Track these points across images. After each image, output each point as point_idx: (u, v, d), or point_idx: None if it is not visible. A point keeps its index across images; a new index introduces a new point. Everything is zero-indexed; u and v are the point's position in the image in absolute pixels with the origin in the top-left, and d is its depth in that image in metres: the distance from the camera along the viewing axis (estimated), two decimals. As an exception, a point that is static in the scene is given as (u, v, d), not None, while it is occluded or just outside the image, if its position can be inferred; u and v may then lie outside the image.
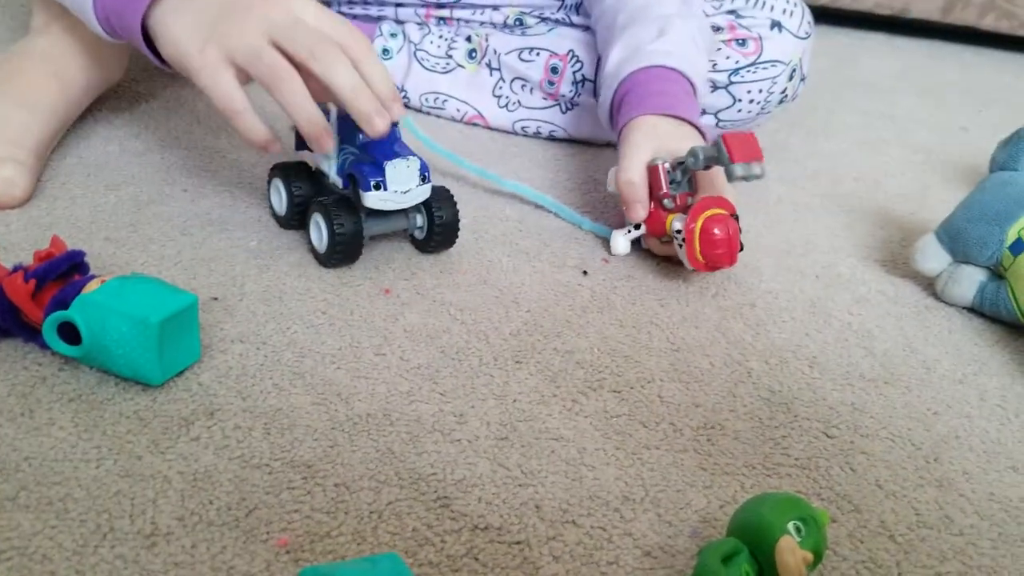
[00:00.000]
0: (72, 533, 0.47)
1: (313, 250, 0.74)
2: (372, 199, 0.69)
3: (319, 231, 0.72)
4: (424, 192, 0.72)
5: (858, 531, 0.55)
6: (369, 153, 0.71)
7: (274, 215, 0.78)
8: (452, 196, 0.76)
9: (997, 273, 0.79)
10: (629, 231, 0.80)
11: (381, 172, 0.69)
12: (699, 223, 0.73)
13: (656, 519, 0.54)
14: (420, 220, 0.76)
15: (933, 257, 0.82)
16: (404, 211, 0.74)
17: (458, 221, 0.76)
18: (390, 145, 0.70)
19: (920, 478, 0.60)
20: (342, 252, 0.71)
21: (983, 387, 0.70)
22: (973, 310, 0.81)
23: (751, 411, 0.64)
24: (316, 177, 0.76)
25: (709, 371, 0.67)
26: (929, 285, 0.84)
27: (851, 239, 0.92)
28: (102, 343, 0.55)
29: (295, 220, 0.76)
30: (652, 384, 0.65)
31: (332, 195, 0.74)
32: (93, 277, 0.58)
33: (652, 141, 0.79)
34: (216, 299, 0.66)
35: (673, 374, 0.66)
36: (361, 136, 0.71)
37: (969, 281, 0.80)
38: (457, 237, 0.77)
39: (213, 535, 0.48)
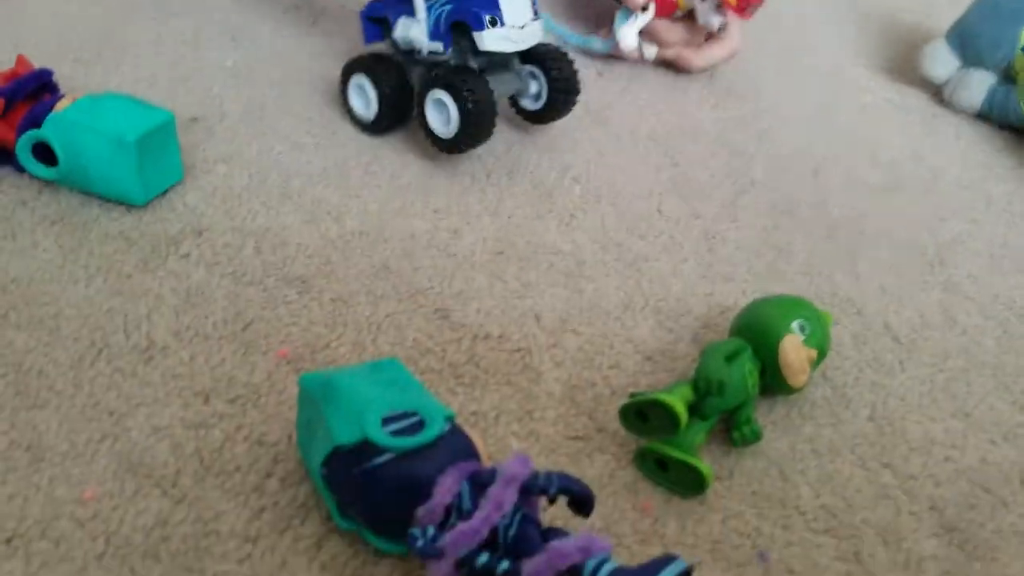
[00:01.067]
0: (67, 350, 0.46)
1: (433, 137, 0.62)
2: (490, 39, 0.58)
3: (443, 111, 0.61)
4: (537, 30, 0.62)
5: (862, 333, 0.54)
6: None
7: (358, 122, 0.66)
8: (565, 52, 0.65)
9: (1008, 76, 0.76)
10: (635, 18, 0.74)
11: (494, 5, 0.59)
12: None
13: (657, 326, 0.53)
14: (535, 86, 0.65)
15: (942, 62, 0.79)
16: (517, 73, 0.64)
17: (578, 79, 0.65)
18: None
19: (924, 282, 0.59)
20: (477, 126, 0.60)
21: (989, 192, 0.69)
22: (980, 116, 0.78)
23: (753, 220, 0.62)
24: (401, 66, 0.64)
25: (710, 183, 0.65)
26: (936, 93, 0.81)
27: (856, 46, 0.88)
28: (79, 163, 0.53)
29: (390, 120, 0.65)
30: (651, 198, 0.63)
31: (438, 68, 0.62)
32: (63, 95, 0.55)
33: None
34: (196, 119, 0.63)
35: (672, 188, 0.65)
36: None
37: (978, 85, 0.77)
38: (576, 101, 0.66)
39: (211, 348, 0.47)
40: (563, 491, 0.37)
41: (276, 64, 0.71)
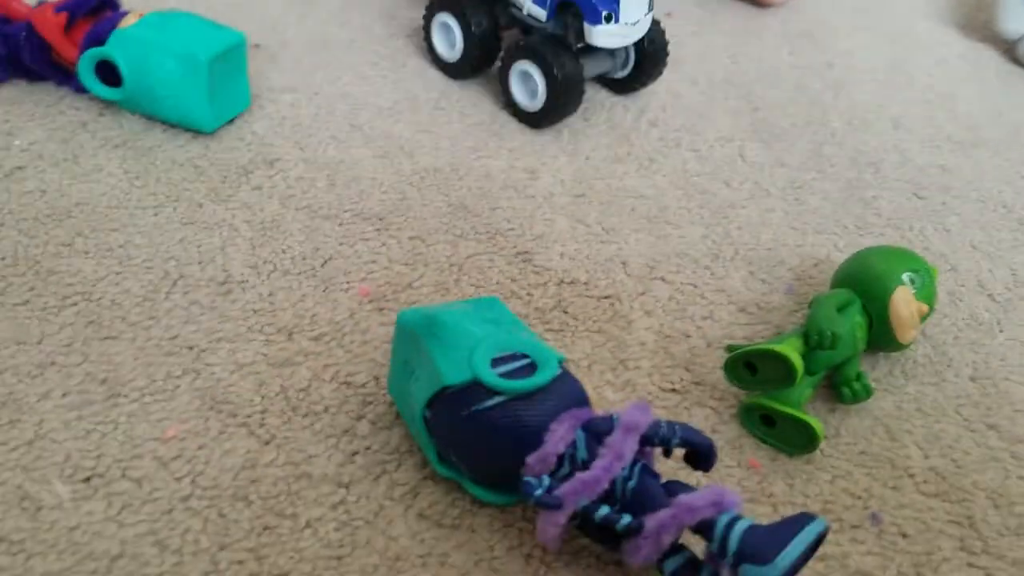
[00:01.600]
0: (139, 279, 0.44)
1: (514, 106, 0.59)
2: (601, 34, 0.55)
3: (529, 83, 0.57)
4: (648, 22, 0.58)
5: (957, 290, 0.52)
6: None
7: (439, 62, 0.62)
8: (658, 20, 0.61)
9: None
10: None
11: (614, 0, 0.55)
12: None
13: (749, 276, 0.51)
14: (624, 55, 0.61)
15: (1017, 17, 0.76)
16: (611, 53, 0.60)
17: (667, 50, 0.61)
18: None
19: (1015, 239, 0.56)
20: (565, 104, 0.57)
21: (1074, 151, 0.66)
22: (1058, 75, 0.75)
23: (838, 171, 0.59)
24: (493, 7, 0.60)
25: (791, 131, 0.63)
26: (1008, 49, 0.78)
27: (926, 0, 0.85)
28: (145, 83, 0.49)
29: (474, 65, 0.61)
30: (732, 143, 0.61)
31: (531, 34, 0.58)
32: (127, 12, 0.52)
33: None
34: (258, 46, 0.60)
35: (753, 134, 0.62)
36: None
37: (1057, 42, 0.74)
38: (665, 67, 0.62)
39: (291, 283, 0.45)
40: (685, 443, 0.35)
41: (334, -8, 0.68)
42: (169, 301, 0.43)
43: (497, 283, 0.47)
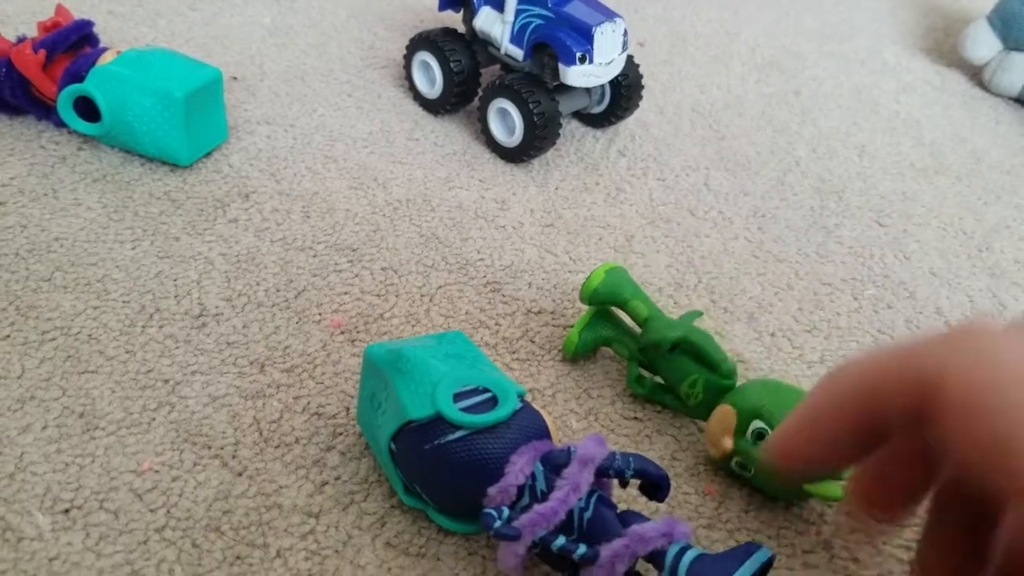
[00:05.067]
0: (117, 313, 0.45)
1: (493, 143, 0.60)
2: (575, 75, 0.55)
3: (507, 120, 0.59)
4: (622, 61, 0.59)
5: (915, 317, 0.54)
6: (563, 14, 0.56)
7: (420, 98, 0.64)
8: (631, 55, 0.62)
9: (1053, 60, 0.75)
10: None
11: (587, 41, 0.55)
12: None
13: (711, 305, 0.52)
14: (600, 92, 0.62)
15: (983, 44, 0.78)
16: (588, 91, 0.61)
17: (642, 85, 0.62)
18: (588, 3, 0.57)
19: (973, 266, 0.58)
20: (542, 140, 0.58)
21: (1033, 178, 0.68)
22: (1019, 100, 0.77)
23: (801, 199, 0.61)
24: (472, 45, 0.61)
25: (756, 159, 0.64)
26: (975, 74, 0.80)
27: (894, 26, 0.87)
28: (123, 119, 0.51)
29: (453, 102, 0.62)
30: (698, 172, 0.62)
31: (510, 72, 0.59)
32: (106, 49, 0.53)
33: None
34: (236, 79, 0.62)
35: (719, 163, 0.63)
36: None
37: (1020, 69, 0.76)
38: (641, 100, 0.63)
39: (264, 315, 0.46)
40: (639, 474, 0.36)
41: (315, 23, 0.70)
42: (145, 335, 0.44)
43: (466, 313, 0.49)
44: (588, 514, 0.35)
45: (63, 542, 0.36)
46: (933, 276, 0.57)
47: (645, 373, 0.46)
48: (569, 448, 0.36)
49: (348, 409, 0.43)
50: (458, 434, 0.35)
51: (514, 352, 0.47)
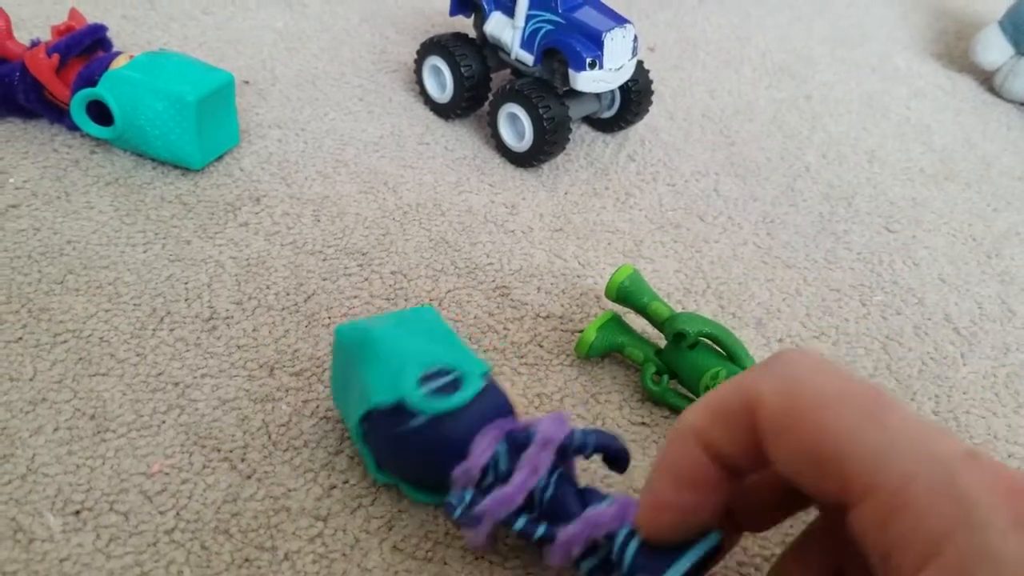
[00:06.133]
0: (128, 316, 0.45)
1: (503, 147, 0.60)
2: (585, 80, 0.56)
3: (516, 125, 0.59)
4: (632, 67, 0.59)
5: (923, 323, 0.53)
6: (573, 20, 0.56)
7: (431, 103, 0.64)
8: (641, 60, 0.62)
9: (1065, 66, 0.75)
10: None
11: (597, 46, 0.55)
12: None
13: (719, 310, 0.52)
14: (610, 97, 0.62)
15: (995, 48, 0.78)
16: (598, 97, 0.61)
17: (652, 90, 0.63)
18: (595, 5, 0.57)
19: (982, 272, 0.58)
20: (551, 145, 0.58)
21: (1044, 184, 0.68)
22: (1033, 106, 0.77)
23: (811, 205, 0.61)
24: (482, 50, 0.61)
25: (766, 165, 0.64)
26: (986, 80, 0.80)
27: (906, 30, 0.87)
28: (136, 123, 0.51)
29: (464, 107, 0.62)
30: (707, 178, 0.62)
31: (520, 77, 0.60)
32: (119, 53, 0.54)
33: None
34: (248, 83, 0.62)
35: (728, 168, 0.63)
36: (561, 0, 0.56)
37: (1032, 75, 0.76)
38: (651, 105, 0.64)
39: (274, 319, 0.46)
40: (599, 449, 0.37)
41: (326, 27, 0.70)
42: (156, 338, 0.45)
43: (475, 317, 0.49)
44: (549, 493, 0.35)
45: (74, 543, 0.37)
46: (942, 282, 0.57)
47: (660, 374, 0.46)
48: (529, 429, 0.36)
49: (357, 413, 0.43)
50: (421, 420, 0.36)
51: (522, 357, 0.47)
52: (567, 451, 0.36)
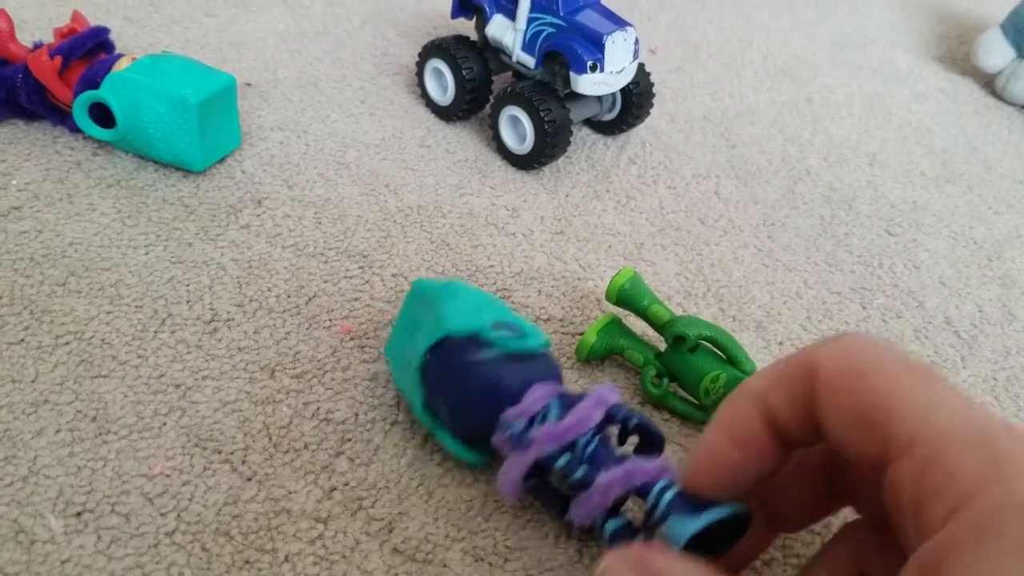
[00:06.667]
0: (129, 319, 0.46)
1: (504, 150, 0.60)
2: (586, 83, 0.56)
3: (518, 127, 0.59)
4: (633, 69, 0.59)
5: (924, 327, 0.54)
6: (574, 23, 0.56)
7: (432, 105, 0.64)
8: (642, 63, 0.62)
9: (1067, 69, 0.75)
10: None
11: (598, 49, 0.55)
12: None
13: (719, 313, 0.52)
14: (611, 100, 0.62)
15: (997, 51, 0.78)
16: (599, 99, 0.61)
17: (653, 92, 0.63)
18: (597, 8, 0.57)
19: (983, 275, 0.58)
20: (552, 147, 0.58)
21: (1045, 187, 0.68)
22: (1034, 109, 0.77)
23: (811, 208, 0.61)
24: (484, 53, 0.61)
25: (767, 168, 0.64)
26: (988, 83, 0.80)
27: (908, 34, 0.87)
28: (138, 125, 0.51)
29: (465, 109, 0.62)
30: (708, 180, 0.62)
31: (522, 80, 0.60)
32: (121, 56, 0.54)
33: None
34: (250, 85, 0.62)
35: (729, 170, 0.64)
36: (563, 3, 0.56)
37: (1034, 78, 0.76)
38: (649, 113, 0.64)
39: (275, 321, 0.47)
40: (640, 427, 0.38)
41: (328, 29, 0.70)
42: (157, 340, 0.45)
43: (476, 320, 0.49)
44: (591, 448, 0.37)
45: (75, 545, 0.37)
46: (943, 286, 0.57)
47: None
48: (583, 393, 0.38)
49: (357, 415, 0.43)
50: (491, 353, 0.38)
51: (523, 359, 0.48)
52: (614, 417, 0.37)
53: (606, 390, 0.37)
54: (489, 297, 0.41)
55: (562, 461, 0.36)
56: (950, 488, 0.24)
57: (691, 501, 0.33)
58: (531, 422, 0.37)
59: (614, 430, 0.39)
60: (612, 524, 0.35)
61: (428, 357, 0.39)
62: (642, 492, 0.34)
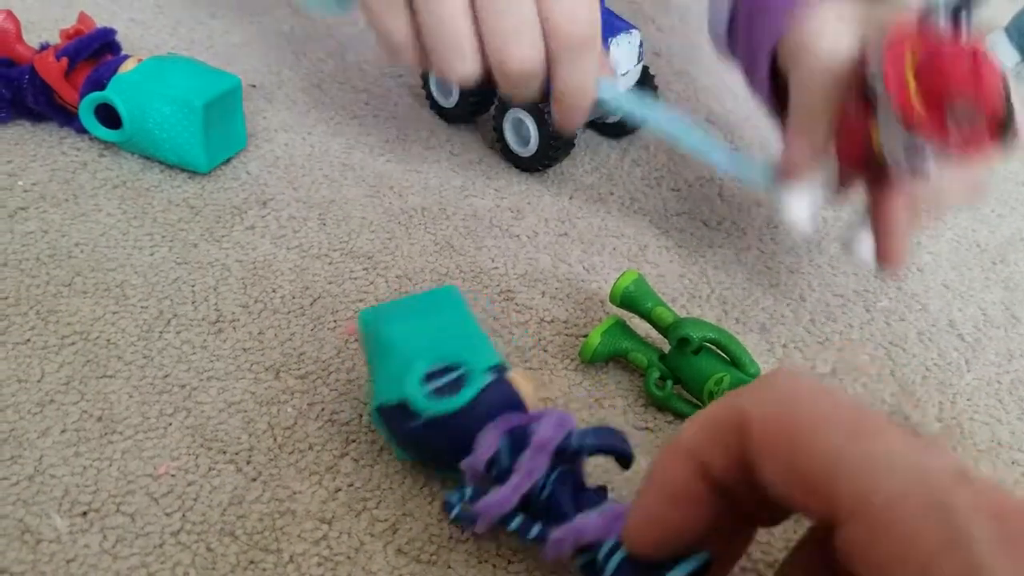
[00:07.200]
0: (135, 319, 0.46)
1: (508, 152, 0.60)
2: None
3: (522, 130, 0.59)
4: (637, 72, 0.59)
5: (927, 330, 0.54)
6: None
7: (436, 107, 0.64)
8: (646, 66, 0.62)
9: (1070, 72, 0.75)
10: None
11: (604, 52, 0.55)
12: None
13: (723, 315, 0.52)
14: None
15: (1001, 54, 0.78)
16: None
17: (657, 92, 0.63)
18: (601, 11, 0.56)
19: (987, 278, 0.58)
20: (556, 150, 0.58)
21: (1049, 190, 0.68)
22: (1038, 113, 0.77)
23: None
24: None
25: (770, 170, 0.64)
26: (991, 87, 0.80)
27: (911, 37, 0.87)
28: (143, 127, 0.51)
29: (470, 111, 0.62)
30: (712, 183, 0.62)
31: None
32: (127, 57, 0.54)
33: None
34: (255, 86, 0.62)
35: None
36: None
37: (1038, 81, 0.76)
38: None
39: (280, 322, 0.47)
40: (600, 450, 0.37)
41: (332, 31, 0.70)
42: (163, 340, 0.45)
43: (479, 321, 0.49)
44: (546, 493, 0.36)
45: (80, 544, 0.37)
46: (946, 289, 0.57)
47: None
48: (529, 426, 0.37)
49: (361, 416, 0.43)
50: (423, 419, 0.37)
51: (527, 361, 0.48)
52: (564, 454, 0.36)
53: (550, 426, 0.36)
54: (430, 322, 0.40)
55: (515, 523, 0.35)
56: (906, 559, 0.23)
57: (638, 566, 0.32)
58: (489, 467, 0.36)
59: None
60: (580, 560, 0.35)
61: (379, 416, 0.39)
62: (591, 548, 0.34)
